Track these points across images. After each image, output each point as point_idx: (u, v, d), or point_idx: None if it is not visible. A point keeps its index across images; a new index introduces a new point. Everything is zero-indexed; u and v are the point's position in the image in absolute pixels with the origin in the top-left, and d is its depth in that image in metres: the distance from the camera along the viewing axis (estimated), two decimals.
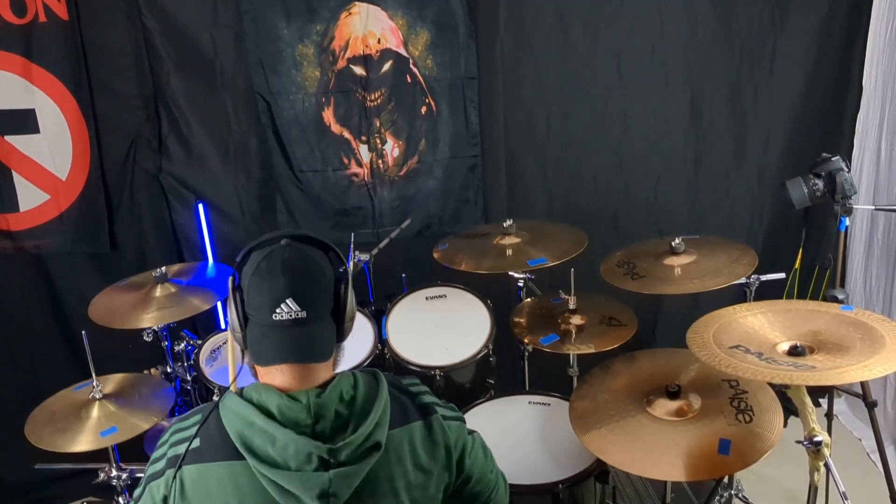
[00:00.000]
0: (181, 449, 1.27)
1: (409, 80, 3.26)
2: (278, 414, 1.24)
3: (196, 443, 1.27)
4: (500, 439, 2.38)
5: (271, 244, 1.29)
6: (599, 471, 2.21)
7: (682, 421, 2.07)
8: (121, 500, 2.40)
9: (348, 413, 1.27)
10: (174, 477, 1.25)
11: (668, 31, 3.27)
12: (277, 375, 1.28)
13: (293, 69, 3.20)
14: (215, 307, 3.22)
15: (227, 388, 1.34)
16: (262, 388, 1.27)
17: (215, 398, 2.50)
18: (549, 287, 2.88)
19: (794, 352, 1.85)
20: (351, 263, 2.88)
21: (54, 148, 3.15)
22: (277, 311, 1.24)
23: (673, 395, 2.12)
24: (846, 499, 1.95)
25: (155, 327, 2.67)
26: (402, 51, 3.22)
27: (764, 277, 2.61)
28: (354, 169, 3.36)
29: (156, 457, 1.31)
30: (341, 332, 1.33)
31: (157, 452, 1.32)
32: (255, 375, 1.33)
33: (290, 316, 1.24)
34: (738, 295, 2.62)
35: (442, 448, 1.37)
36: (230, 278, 1.30)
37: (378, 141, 3.32)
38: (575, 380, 2.68)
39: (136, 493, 1.33)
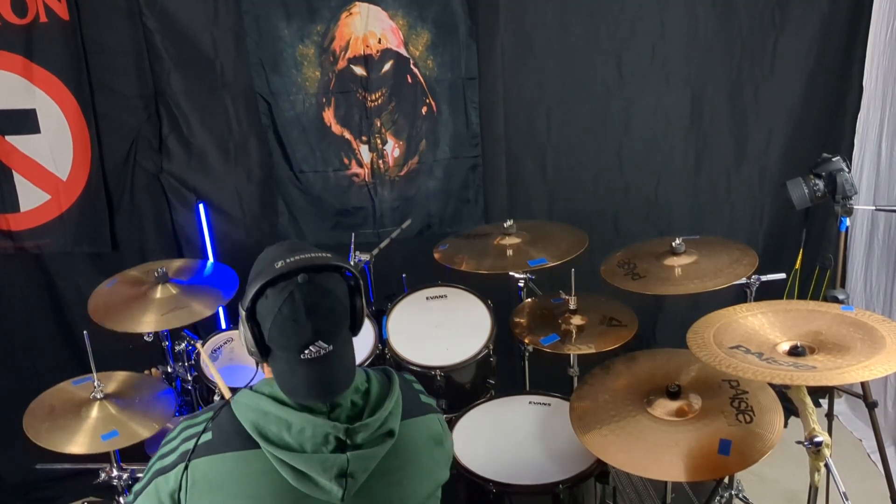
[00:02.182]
0: (192, 444, 1.27)
1: (409, 80, 3.26)
2: (292, 400, 1.26)
3: (207, 436, 1.27)
4: (500, 439, 2.39)
5: (287, 280, 1.24)
6: (600, 471, 2.21)
7: (682, 421, 2.07)
8: (121, 500, 2.40)
9: (363, 403, 1.30)
10: (185, 469, 1.25)
11: (669, 30, 3.27)
12: None
13: (294, 69, 3.20)
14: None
15: (231, 389, 1.34)
16: (274, 382, 1.29)
17: (216, 397, 2.52)
18: (550, 287, 2.88)
19: (795, 352, 1.85)
20: (352, 264, 2.88)
21: (55, 148, 3.15)
22: (306, 352, 1.23)
23: (673, 395, 2.12)
24: (847, 499, 1.95)
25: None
26: (403, 51, 3.22)
27: (764, 278, 2.61)
28: (355, 169, 3.36)
29: (164, 452, 1.31)
30: (356, 334, 1.34)
31: (164, 448, 1.31)
32: (262, 370, 1.34)
33: (319, 353, 1.24)
34: (738, 295, 2.62)
35: (441, 446, 1.41)
36: (243, 311, 1.27)
37: (378, 141, 3.32)
38: (575, 380, 2.68)
39: (138, 486, 1.32)
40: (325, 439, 1.24)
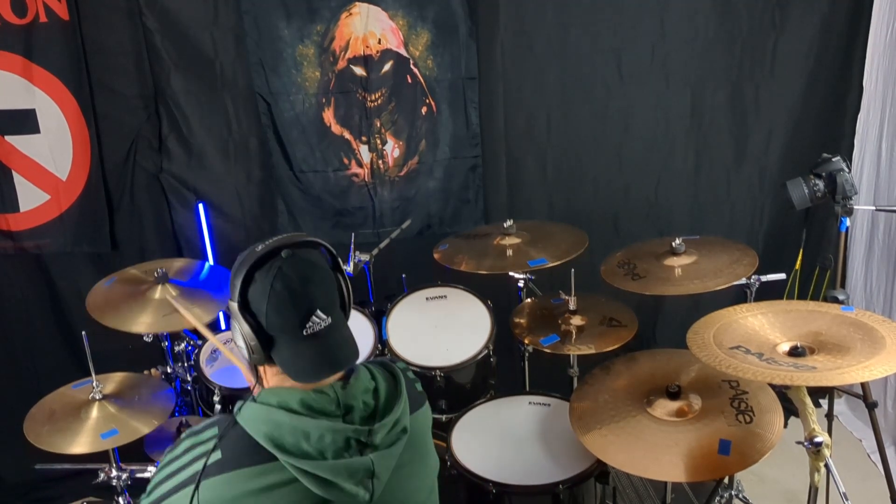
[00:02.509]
0: (201, 465, 1.22)
1: (409, 80, 3.26)
2: (304, 408, 1.23)
3: (216, 455, 1.23)
4: (500, 439, 2.39)
5: (271, 259, 1.25)
6: (600, 471, 2.21)
7: (682, 421, 2.07)
8: (121, 500, 2.40)
9: (374, 403, 1.30)
10: (195, 489, 1.20)
11: (669, 30, 3.27)
12: None
13: (293, 69, 3.20)
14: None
15: (230, 389, 1.32)
16: (279, 391, 1.26)
17: (215, 397, 2.52)
18: (550, 287, 2.88)
19: (795, 352, 1.85)
20: (351, 264, 2.89)
21: (55, 148, 3.15)
22: (308, 325, 1.23)
23: (673, 395, 2.12)
24: (847, 499, 1.96)
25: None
26: (403, 51, 3.22)
27: (764, 278, 2.61)
28: (355, 169, 3.36)
29: (170, 471, 1.26)
30: (347, 315, 1.36)
31: (170, 467, 1.26)
32: (262, 383, 1.31)
33: (321, 326, 1.24)
34: (738, 295, 2.62)
35: (431, 433, 1.45)
36: (235, 304, 1.25)
37: (378, 141, 3.32)
38: (575, 380, 2.68)
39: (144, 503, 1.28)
40: (347, 443, 1.23)
